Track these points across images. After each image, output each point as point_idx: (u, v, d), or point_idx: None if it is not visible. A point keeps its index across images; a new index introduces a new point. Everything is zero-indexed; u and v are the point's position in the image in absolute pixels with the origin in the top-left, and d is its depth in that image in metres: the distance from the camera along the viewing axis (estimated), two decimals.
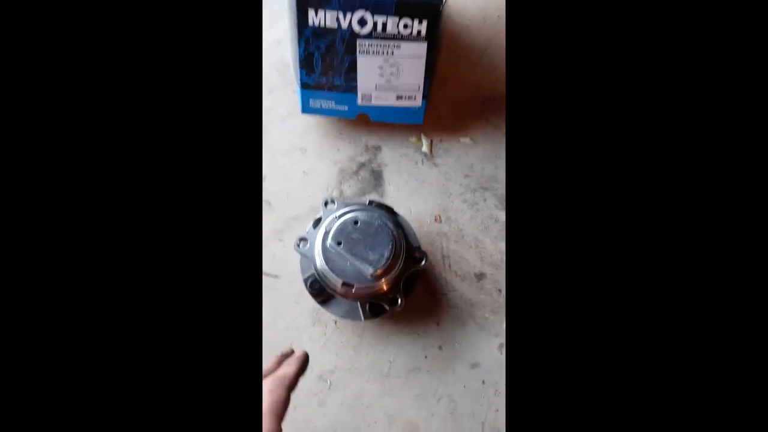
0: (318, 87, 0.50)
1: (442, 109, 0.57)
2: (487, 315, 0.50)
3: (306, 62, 0.48)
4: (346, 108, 0.52)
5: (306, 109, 0.52)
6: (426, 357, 0.49)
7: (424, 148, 0.55)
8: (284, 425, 0.30)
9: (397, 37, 0.46)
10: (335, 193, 0.54)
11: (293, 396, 0.33)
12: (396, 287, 0.43)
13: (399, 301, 0.43)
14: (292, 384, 0.33)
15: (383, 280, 0.42)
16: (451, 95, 0.58)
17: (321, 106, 0.52)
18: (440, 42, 0.55)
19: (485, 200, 0.54)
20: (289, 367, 0.34)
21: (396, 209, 0.52)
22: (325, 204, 0.46)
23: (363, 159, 0.55)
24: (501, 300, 0.51)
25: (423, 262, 0.44)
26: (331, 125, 0.56)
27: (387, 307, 0.43)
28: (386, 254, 0.41)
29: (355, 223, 0.42)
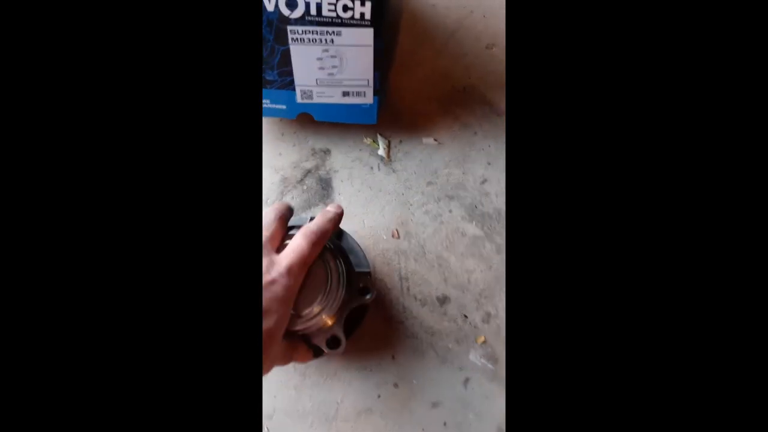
0: None
1: (403, 104, 0.49)
2: (450, 345, 0.44)
3: None
4: (284, 107, 0.44)
5: None
6: (379, 396, 0.42)
7: (381, 151, 0.48)
8: None
9: (336, 22, 0.38)
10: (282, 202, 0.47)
11: None
12: (338, 323, 0.37)
13: (341, 342, 0.36)
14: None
15: (323, 316, 0.36)
16: (413, 87, 0.50)
17: None
18: (396, 25, 0.47)
19: (451, 211, 0.47)
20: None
21: (347, 224, 0.45)
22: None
23: (309, 165, 0.48)
24: (466, 327, 0.44)
25: (369, 296, 0.37)
26: (271, 125, 0.48)
27: (326, 350, 0.36)
28: (318, 298, 0.35)
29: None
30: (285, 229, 0.36)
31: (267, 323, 0.30)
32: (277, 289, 0.31)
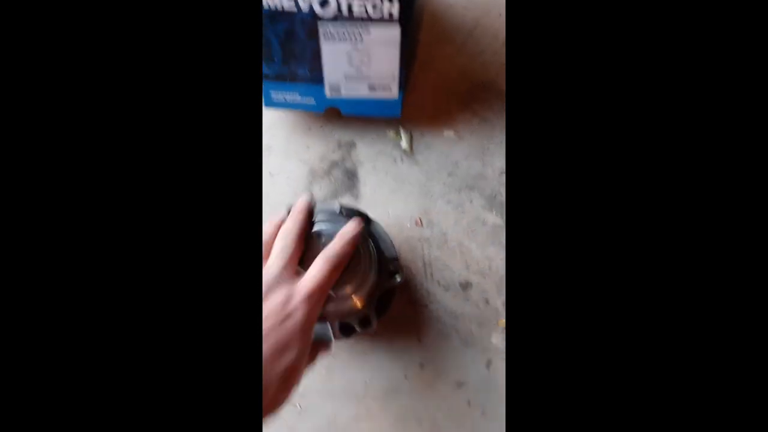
0: (280, 78, 0.45)
1: (424, 99, 0.51)
2: (473, 328, 0.46)
3: (264, 51, 0.43)
4: (312, 101, 0.46)
5: (268, 102, 0.47)
6: (406, 377, 0.44)
7: (404, 144, 0.50)
8: None
9: (366, 20, 0.41)
10: (305, 197, 0.49)
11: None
12: (369, 305, 0.39)
13: (371, 322, 0.38)
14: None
15: (353, 298, 0.38)
16: (434, 83, 0.52)
17: (285, 99, 0.46)
18: (419, 23, 0.50)
19: (471, 201, 0.49)
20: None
21: (372, 213, 0.47)
22: (288, 212, 0.41)
23: (335, 157, 0.50)
24: (488, 311, 0.46)
25: (398, 279, 0.39)
26: (298, 119, 0.51)
27: (358, 329, 0.38)
28: (352, 280, 0.37)
29: (319, 237, 0.37)
30: (303, 244, 0.36)
31: (289, 358, 0.30)
32: (297, 319, 0.31)
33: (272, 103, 0.47)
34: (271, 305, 0.31)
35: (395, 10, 0.40)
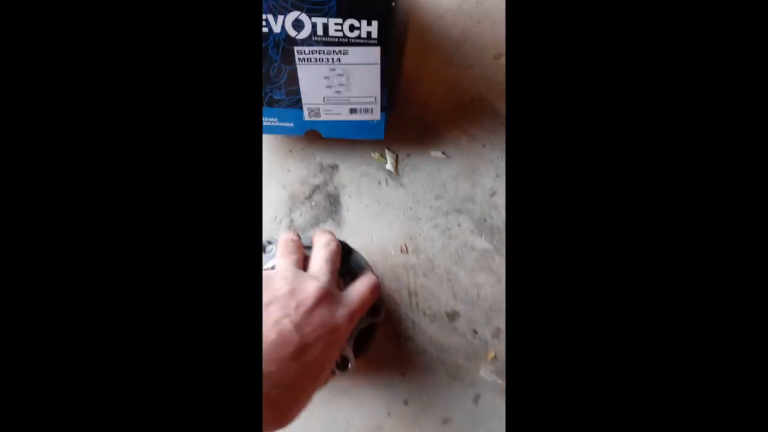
0: None
1: (410, 117, 0.49)
2: (460, 361, 0.44)
3: None
4: (291, 125, 0.44)
5: None
6: (389, 414, 0.43)
7: (389, 166, 0.48)
8: None
9: (344, 42, 0.38)
10: (284, 223, 0.47)
11: None
12: (347, 343, 0.37)
13: (349, 363, 0.36)
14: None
15: None
16: (421, 100, 0.49)
17: (264, 124, 0.44)
18: (404, 39, 0.47)
19: (459, 225, 0.47)
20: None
21: (355, 240, 0.45)
22: (264, 248, 0.39)
23: (317, 181, 0.48)
24: (476, 343, 0.44)
25: (378, 317, 0.37)
26: (279, 141, 0.48)
27: (335, 371, 0.36)
28: None
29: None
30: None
31: (325, 370, 0.32)
32: (342, 333, 0.32)
33: None
34: (321, 315, 0.31)
35: (374, 30, 0.38)
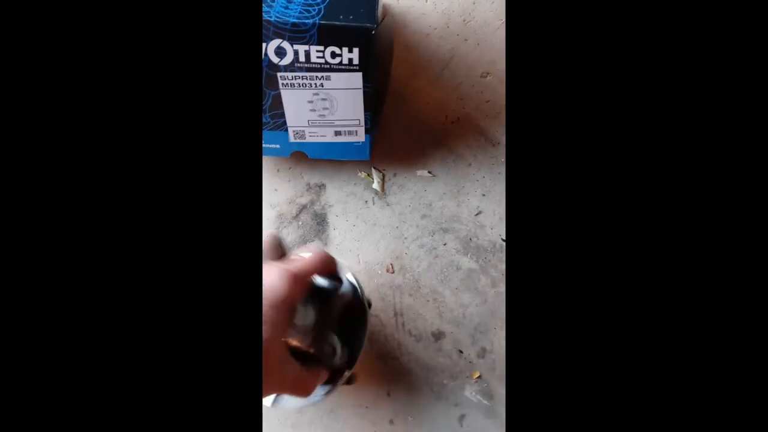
0: None
1: (397, 136, 0.49)
2: (445, 381, 0.44)
3: None
4: (278, 146, 0.44)
5: None
6: None
7: (375, 185, 0.48)
8: None
9: (325, 68, 0.39)
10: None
11: None
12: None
13: (346, 373, 0.34)
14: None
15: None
16: (408, 119, 0.50)
17: None
18: (388, 60, 0.47)
19: (445, 244, 0.47)
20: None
21: (342, 259, 0.46)
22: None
23: (304, 200, 0.48)
24: (461, 363, 0.44)
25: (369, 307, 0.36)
26: (266, 162, 0.49)
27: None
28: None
29: None
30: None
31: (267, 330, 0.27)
32: (280, 289, 0.28)
33: None
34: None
35: (355, 56, 0.38)
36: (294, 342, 0.31)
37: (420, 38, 0.53)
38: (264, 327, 0.26)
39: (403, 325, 0.45)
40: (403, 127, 0.50)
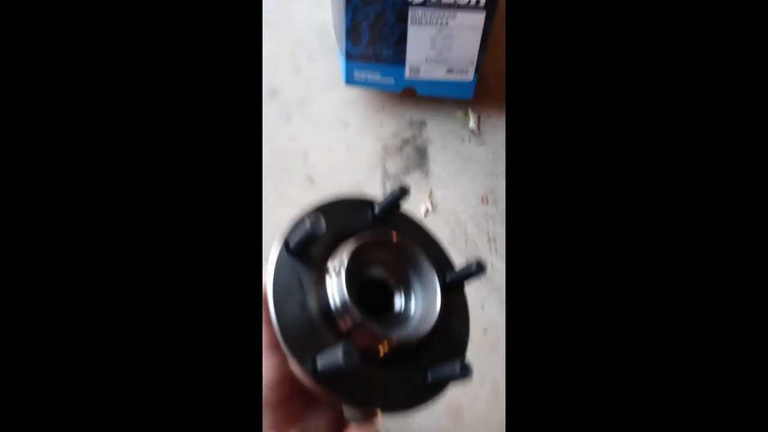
0: (364, 58, 0.47)
1: (492, 80, 0.54)
2: None
3: (353, 32, 0.45)
4: (392, 81, 0.49)
5: (350, 80, 0.49)
6: (471, 340, 0.49)
7: (471, 125, 0.53)
8: None
9: (453, 6, 0.42)
10: (378, 171, 0.52)
11: None
12: None
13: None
14: None
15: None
16: (502, 64, 0.54)
17: (366, 79, 0.49)
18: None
19: None
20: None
21: (440, 191, 0.51)
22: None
23: (407, 135, 0.53)
24: None
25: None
26: (373, 98, 0.53)
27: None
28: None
29: None
30: None
31: None
32: None
33: (353, 81, 0.49)
34: None
35: None
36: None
37: None
38: None
39: (496, 250, 0.50)
40: (497, 71, 0.54)
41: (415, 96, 0.51)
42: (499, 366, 0.47)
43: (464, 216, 0.51)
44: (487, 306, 0.49)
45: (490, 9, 0.43)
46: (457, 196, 0.51)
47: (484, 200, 0.51)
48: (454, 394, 0.33)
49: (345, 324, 0.23)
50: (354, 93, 0.53)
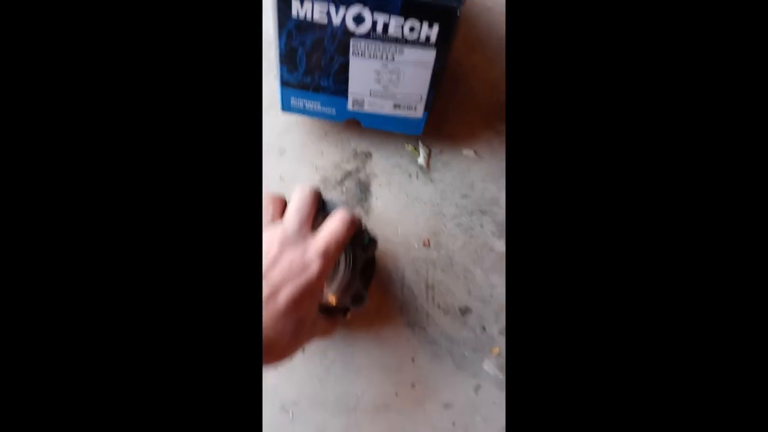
0: (302, 86, 0.42)
1: (447, 113, 0.49)
2: (466, 353, 0.47)
3: (288, 58, 0.40)
4: (333, 111, 0.44)
5: (286, 107, 0.44)
6: (397, 394, 0.46)
7: (421, 160, 0.49)
8: None
9: (401, 41, 0.38)
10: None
11: None
12: (349, 278, 0.38)
13: (362, 298, 0.39)
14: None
15: (329, 296, 0.38)
16: (460, 97, 0.50)
17: (305, 107, 0.44)
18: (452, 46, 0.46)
19: (482, 226, 0.48)
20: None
21: (381, 230, 0.47)
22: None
23: (350, 167, 0.48)
24: (484, 338, 0.47)
25: (373, 247, 0.39)
26: (315, 124, 0.48)
27: (349, 307, 0.39)
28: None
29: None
30: (317, 205, 0.36)
31: (303, 309, 0.32)
32: (313, 272, 0.32)
33: (290, 108, 0.44)
34: (288, 258, 0.32)
35: (434, 34, 0.37)
36: (324, 301, 0.37)
37: (481, 12, 0.51)
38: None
39: (433, 298, 0.48)
40: (454, 105, 0.49)
41: (361, 126, 0.47)
42: (426, 425, 0.45)
43: (404, 260, 0.48)
44: (418, 359, 0.47)
45: (441, 46, 0.38)
46: (398, 237, 0.48)
47: (426, 244, 0.48)
48: None
49: None
50: (293, 118, 0.48)
